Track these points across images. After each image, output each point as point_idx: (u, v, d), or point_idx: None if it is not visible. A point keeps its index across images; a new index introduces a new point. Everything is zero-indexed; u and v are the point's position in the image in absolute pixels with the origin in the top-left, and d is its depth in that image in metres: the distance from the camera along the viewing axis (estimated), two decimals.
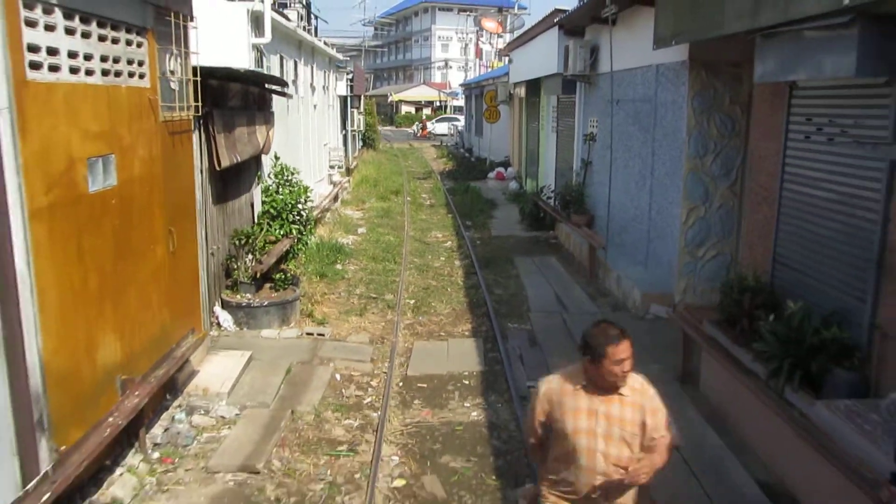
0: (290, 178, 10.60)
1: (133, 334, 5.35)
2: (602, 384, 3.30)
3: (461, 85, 44.70)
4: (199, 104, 6.62)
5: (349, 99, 25.75)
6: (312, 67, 16.80)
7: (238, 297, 8.45)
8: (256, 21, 10.39)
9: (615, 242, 10.68)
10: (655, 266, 9.42)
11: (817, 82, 5.70)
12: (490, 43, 43.33)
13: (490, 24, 37.04)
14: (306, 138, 15.58)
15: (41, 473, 4.13)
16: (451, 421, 6.23)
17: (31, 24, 4.08)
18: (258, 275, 8.69)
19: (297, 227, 10.14)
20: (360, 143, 32.08)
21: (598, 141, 12.17)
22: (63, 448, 4.32)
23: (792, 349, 5.23)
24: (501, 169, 23.77)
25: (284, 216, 10.02)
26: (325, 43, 18.53)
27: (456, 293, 10.28)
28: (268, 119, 10.28)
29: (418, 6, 74.40)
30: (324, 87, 19.15)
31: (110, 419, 4.76)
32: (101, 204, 4.85)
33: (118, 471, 4.99)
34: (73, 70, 4.51)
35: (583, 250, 11.63)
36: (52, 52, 4.26)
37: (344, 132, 25.18)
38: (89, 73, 4.71)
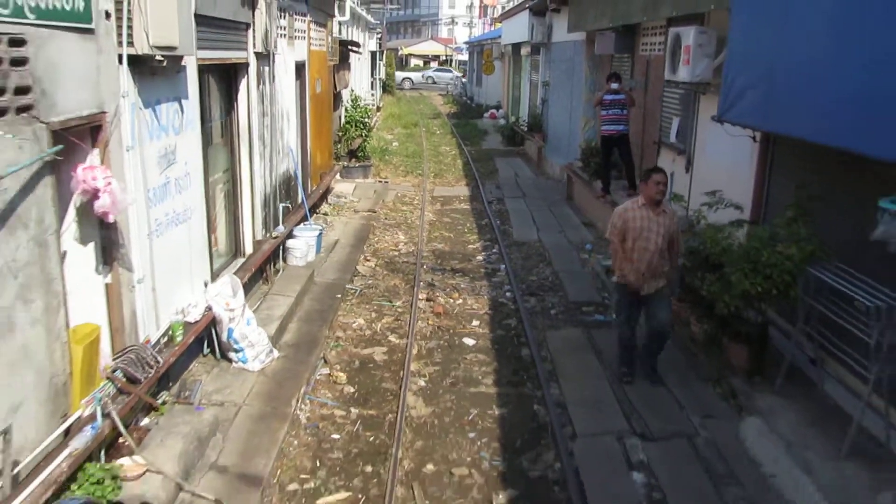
0: (359, 102, 17.85)
1: (322, 155, 12.69)
2: (651, 197, 5.59)
3: (465, 42, 50.96)
4: (336, 57, 13.82)
5: (377, 53, 32.56)
6: (358, 30, 23.82)
7: (340, 163, 15.75)
8: (340, 7, 17.47)
9: (552, 145, 17.95)
10: (570, 154, 16.65)
11: (618, 55, 12.86)
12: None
13: None
14: (354, 82, 22.66)
15: (309, 192, 11.48)
16: (455, 208, 13.65)
17: (310, 29, 11.31)
18: (348, 151, 16.04)
19: (364, 131, 17.40)
20: (381, 90, 38.93)
21: (550, 86, 19.30)
22: (314, 187, 11.70)
23: (598, 169, 12.53)
24: (494, 110, 30.75)
25: (357, 124, 17.27)
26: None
27: (458, 171, 17.68)
28: (348, 67, 17.47)
29: None
30: (362, 44, 26.11)
31: (321, 183, 12.12)
32: (317, 99, 12.10)
33: (322, 206, 12.39)
34: (314, 44, 11.72)
35: (535, 152, 18.93)
36: (313, 37, 11.49)
37: (372, 79, 32.11)
38: (315, 44, 11.91)
